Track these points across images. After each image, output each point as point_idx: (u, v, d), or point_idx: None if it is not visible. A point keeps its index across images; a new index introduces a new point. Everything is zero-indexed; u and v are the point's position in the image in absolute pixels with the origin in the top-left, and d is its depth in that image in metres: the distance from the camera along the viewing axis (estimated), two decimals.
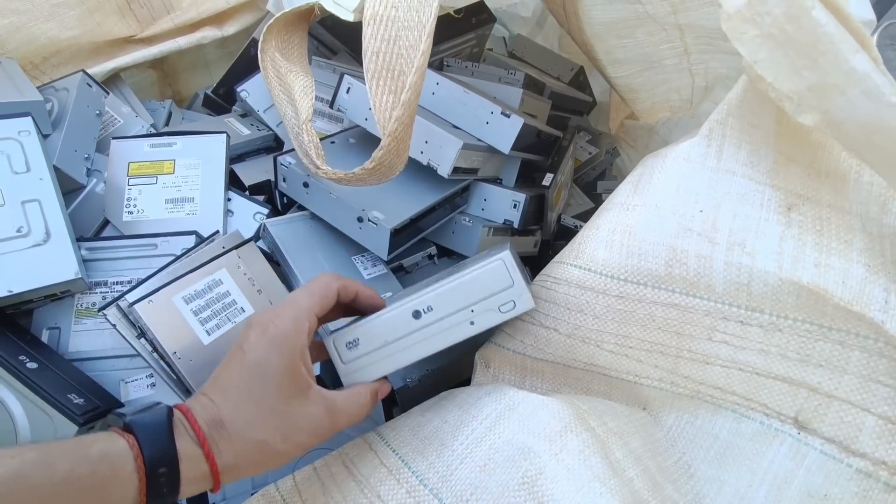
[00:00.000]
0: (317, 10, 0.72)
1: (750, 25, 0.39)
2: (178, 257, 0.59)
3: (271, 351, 0.42)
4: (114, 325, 0.54)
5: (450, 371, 0.63)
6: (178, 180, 0.68)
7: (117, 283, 0.62)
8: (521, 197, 0.71)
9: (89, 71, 0.78)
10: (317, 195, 0.66)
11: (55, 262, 0.57)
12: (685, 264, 0.45)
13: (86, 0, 0.82)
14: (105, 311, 0.53)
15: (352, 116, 0.71)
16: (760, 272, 0.43)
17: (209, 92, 0.96)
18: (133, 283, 0.55)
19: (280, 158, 0.68)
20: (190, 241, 0.63)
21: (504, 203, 0.72)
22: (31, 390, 0.51)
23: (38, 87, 0.71)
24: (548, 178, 0.78)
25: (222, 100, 0.95)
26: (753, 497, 0.41)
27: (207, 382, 0.42)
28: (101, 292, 0.62)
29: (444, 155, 0.65)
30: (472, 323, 0.46)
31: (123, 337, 0.54)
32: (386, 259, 0.64)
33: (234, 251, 0.58)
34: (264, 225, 0.65)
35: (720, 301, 0.45)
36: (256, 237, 0.68)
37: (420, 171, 0.68)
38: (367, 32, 0.54)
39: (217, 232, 0.64)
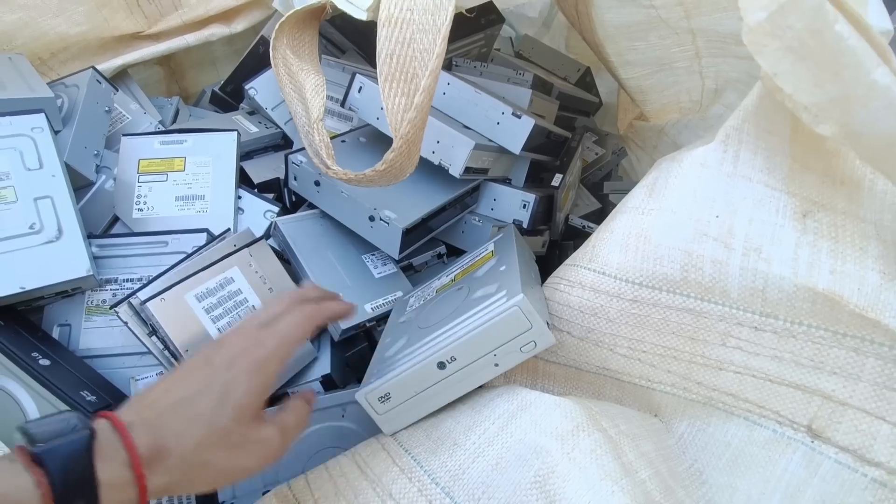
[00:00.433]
0: (328, 8, 0.72)
1: (771, 39, 0.39)
2: (189, 255, 0.59)
3: (241, 377, 0.39)
4: (125, 323, 0.54)
5: None
6: (188, 178, 0.68)
7: (127, 280, 0.62)
8: (530, 197, 0.71)
9: (97, 67, 0.78)
10: (328, 194, 0.66)
11: (67, 260, 0.57)
12: (701, 269, 0.46)
13: None
14: (117, 309, 0.53)
15: (363, 116, 0.71)
16: (776, 278, 0.43)
17: (217, 89, 0.95)
18: (144, 281, 0.55)
19: (291, 157, 0.68)
20: (201, 238, 0.63)
21: (514, 203, 0.72)
22: (43, 387, 0.51)
23: (47, 84, 0.71)
24: (557, 179, 0.78)
25: (230, 97, 0.95)
26: None
27: (155, 393, 0.38)
28: (111, 289, 0.62)
29: (456, 155, 0.66)
30: (496, 365, 0.47)
31: (135, 334, 0.54)
32: (397, 258, 0.64)
33: (245, 249, 0.58)
34: (275, 223, 0.65)
35: (735, 306, 0.45)
36: (267, 235, 0.68)
37: (431, 171, 0.68)
38: (381, 34, 0.54)
39: (228, 230, 0.64)
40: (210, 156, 0.69)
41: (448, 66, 0.90)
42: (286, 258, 0.65)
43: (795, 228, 0.44)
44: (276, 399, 0.59)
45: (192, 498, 0.57)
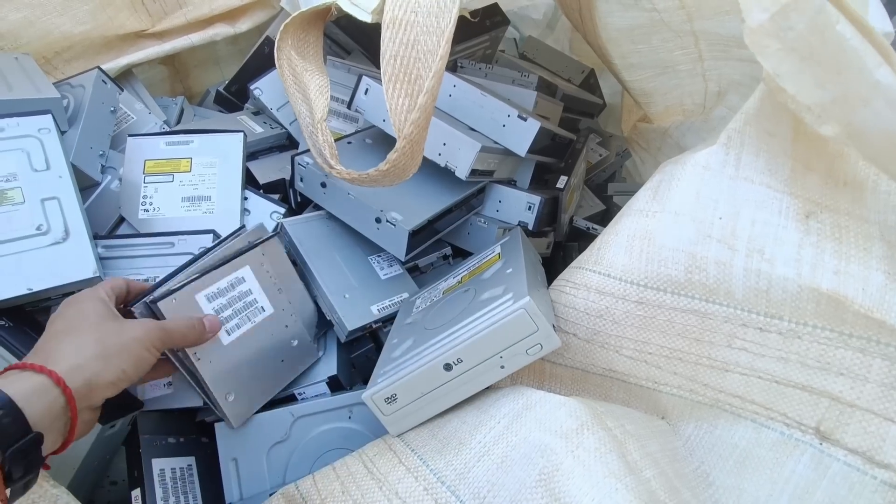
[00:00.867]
0: (333, 9, 0.73)
1: (773, 40, 0.39)
2: (202, 253, 0.59)
3: (79, 303, 0.47)
4: None
5: None
6: (194, 178, 0.68)
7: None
8: (535, 199, 0.71)
9: (102, 67, 0.78)
10: (334, 195, 0.67)
11: (74, 261, 0.57)
12: (705, 270, 0.46)
13: None
14: (133, 308, 0.53)
15: (369, 117, 0.71)
16: (779, 279, 0.43)
17: (221, 89, 0.96)
18: (157, 280, 0.55)
19: (298, 158, 0.69)
20: (207, 239, 0.63)
21: (519, 205, 0.72)
22: None
23: (53, 84, 0.71)
24: (562, 181, 0.78)
25: (234, 97, 0.95)
26: None
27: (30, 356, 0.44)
28: None
29: (462, 157, 0.66)
30: (502, 367, 0.47)
31: None
32: (403, 259, 0.65)
33: (258, 247, 0.58)
34: (282, 225, 0.66)
35: (739, 307, 0.45)
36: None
37: (437, 173, 0.69)
38: (385, 36, 0.54)
39: (243, 227, 0.64)
40: (216, 157, 0.69)
41: (453, 67, 0.90)
42: (293, 259, 0.65)
43: (798, 229, 0.44)
44: (283, 400, 0.59)
45: (199, 499, 0.58)
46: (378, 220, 0.63)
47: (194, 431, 0.61)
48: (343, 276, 0.64)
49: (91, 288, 0.50)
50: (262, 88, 0.84)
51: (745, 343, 0.45)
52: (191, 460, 0.58)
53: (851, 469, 0.40)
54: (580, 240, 0.87)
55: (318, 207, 0.71)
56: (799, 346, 0.43)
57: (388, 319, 0.63)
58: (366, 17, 0.64)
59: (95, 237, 0.61)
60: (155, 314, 0.51)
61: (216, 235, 0.64)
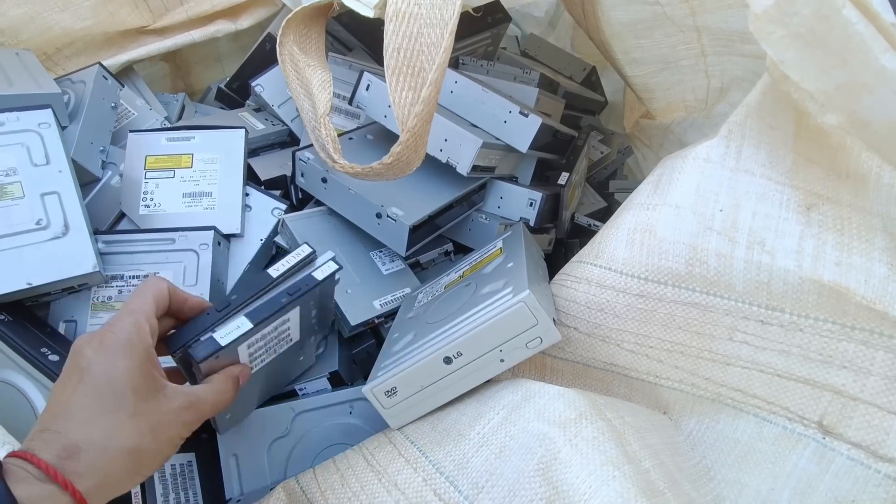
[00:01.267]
0: (335, 5, 0.73)
1: (777, 25, 0.39)
2: (261, 291, 0.49)
3: (116, 359, 0.39)
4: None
5: None
6: (195, 174, 0.68)
7: (134, 276, 0.62)
8: (537, 195, 0.71)
9: (103, 63, 0.78)
10: (335, 191, 0.66)
11: (74, 256, 0.57)
12: (705, 263, 0.46)
13: None
14: (175, 355, 0.47)
15: (371, 113, 0.71)
16: (780, 270, 0.43)
17: (223, 86, 0.96)
18: (204, 328, 0.46)
19: (299, 154, 0.68)
20: (208, 236, 0.63)
21: (520, 201, 0.72)
22: (54, 382, 0.51)
23: (54, 80, 0.71)
24: (563, 178, 0.78)
25: (235, 94, 0.95)
26: (777, 500, 0.41)
27: (43, 419, 0.38)
28: (117, 286, 0.62)
29: (464, 153, 0.66)
30: (501, 360, 0.47)
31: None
32: (404, 255, 0.64)
33: (316, 288, 0.50)
34: (283, 221, 0.66)
35: (740, 300, 0.45)
36: (275, 233, 0.68)
37: (438, 169, 0.68)
38: (388, 29, 0.54)
39: (313, 253, 0.52)
40: (218, 153, 0.69)
41: (455, 64, 0.90)
42: None
43: (799, 221, 0.44)
44: (284, 396, 0.59)
45: (199, 495, 0.57)
46: (378, 216, 0.63)
47: None
48: (345, 271, 0.64)
49: (130, 323, 0.41)
50: (264, 85, 0.84)
51: (747, 336, 0.45)
52: (191, 457, 0.57)
53: (855, 463, 0.40)
54: (582, 236, 0.86)
55: (318, 204, 0.71)
56: (801, 339, 0.42)
57: (391, 314, 0.63)
58: (368, 13, 0.63)
59: (96, 232, 0.61)
60: (193, 372, 0.46)
61: (217, 232, 0.64)
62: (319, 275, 0.50)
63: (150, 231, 0.64)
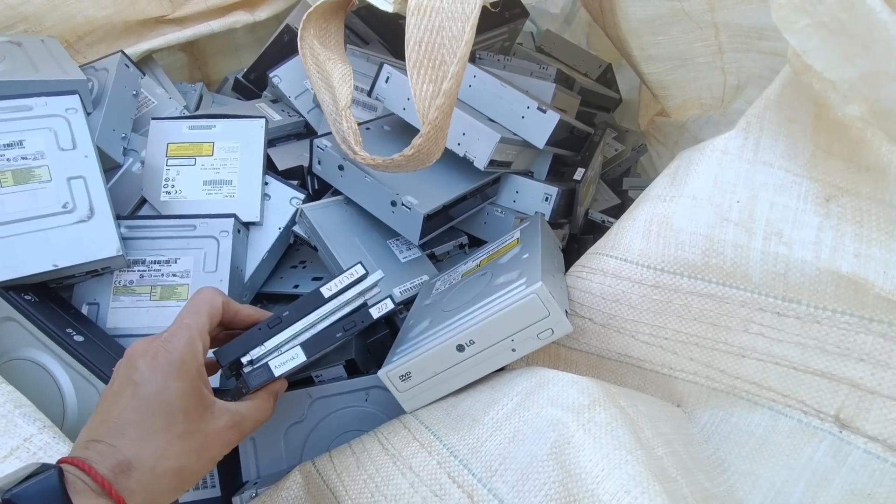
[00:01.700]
0: None
1: (801, 14, 0.39)
2: (312, 310, 0.50)
3: (169, 378, 0.40)
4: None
5: None
6: (216, 163, 0.69)
7: (155, 262, 0.63)
8: (553, 190, 0.71)
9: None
10: (351, 178, 0.67)
11: (98, 239, 0.58)
12: (722, 254, 0.46)
13: None
14: (225, 369, 0.48)
15: (389, 105, 0.72)
16: (797, 262, 0.43)
17: (240, 76, 0.96)
18: (254, 344, 0.48)
19: (317, 141, 0.69)
20: (228, 223, 0.63)
21: (536, 196, 0.73)
22: (79, 363, 0.52)
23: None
24: (579, 173, 0.78)
25: (253, 85, 0.96)
26: (791, 492, 0.41)
27: (95, 427, 0.39)
28: (139, 270, 0.63)
29: (482, 147, 0.66)
30: (513, 350, 0.48)
31: None
32: (417, 243, 0.65)
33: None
34: (302, 210, 0.66)
35: (757, 291, 0.45)
36: (293, 222, 0.69)
37: (453, 161, 0.69)
38: (410, 22, 0.54)
39: (366, 274, 0.51)
40: (238, 142, 0.70)
41: (472, 58, 0.91)
42: (313, 245, 0.66)
43: (818, 213, 0.44)
44: (301, 382, 0.60)
45: (216, 479, 0.58)
46: (393, 203, 0.64)
47: None
48: (365, 259, 0.64)
49: (185, 342, 0.42)
50: (282, 76, 0.85)
51: (763, 328, 0.45)
52: None
53: (872, 457, 0.40)
54: (595, 233, 0.87)
55: (336, 194, 0.71)
56: (818, 331, 0.42)
57: (409, 302, 0.64)
58: (387, 7, 0.64)
59: (118, 218, 0.62)
60: (240, 385, 0.47)
61: (237, 219, 0.64)
62: (375, 313, 0.51)
63: (171, 217, 0.65)
